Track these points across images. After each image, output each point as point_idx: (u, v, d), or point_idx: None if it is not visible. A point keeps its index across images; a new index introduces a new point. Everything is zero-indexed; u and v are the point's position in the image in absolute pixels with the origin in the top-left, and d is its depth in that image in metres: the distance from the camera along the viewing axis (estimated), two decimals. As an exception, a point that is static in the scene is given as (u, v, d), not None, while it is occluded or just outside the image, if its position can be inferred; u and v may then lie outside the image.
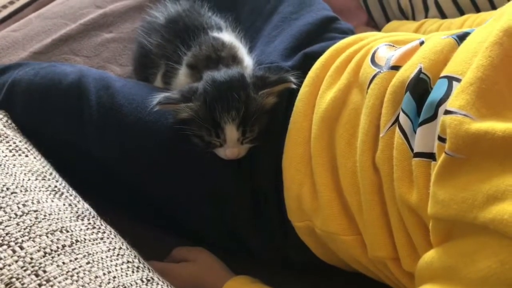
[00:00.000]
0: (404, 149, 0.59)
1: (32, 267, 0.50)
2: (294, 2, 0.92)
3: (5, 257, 0.50)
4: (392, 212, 0.62)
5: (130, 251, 0.59)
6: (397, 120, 0.61)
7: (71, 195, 0.64)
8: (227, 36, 0.84)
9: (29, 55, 1.02)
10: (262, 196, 0.73)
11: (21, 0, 1.45)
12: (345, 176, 0.65)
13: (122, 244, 0.60)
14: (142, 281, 0.54)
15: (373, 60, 0.68)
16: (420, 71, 0.61)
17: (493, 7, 0.93)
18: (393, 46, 0.70)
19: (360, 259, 0.66)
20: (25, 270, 0.50)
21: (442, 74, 0.59)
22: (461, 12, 0.97)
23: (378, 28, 1.09)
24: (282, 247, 0.75)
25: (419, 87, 0.60)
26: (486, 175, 0.50)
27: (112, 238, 0.59)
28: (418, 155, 0.57)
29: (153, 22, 0.89)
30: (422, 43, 0.66)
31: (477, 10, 0.95)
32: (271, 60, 0.81)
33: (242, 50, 0.83)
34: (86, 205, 0.64)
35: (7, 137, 0.70)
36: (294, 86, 0.73)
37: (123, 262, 0.55)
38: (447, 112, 0.52)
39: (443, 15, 1.00)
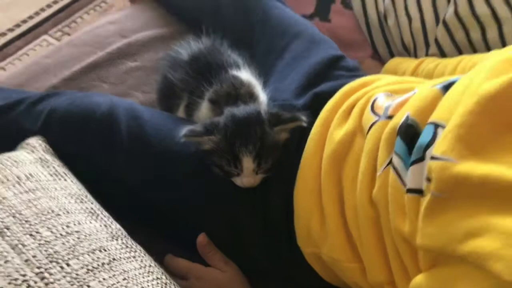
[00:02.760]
0: (397, 186, 0.65)
1: (78, 282, 0.57)
2: (304, 41, 1.00)
3: (54, 273, 0.57)
4: (388, 242, 0.68)
5: (158, 269, 0.66)
6: (391, 161, 0.67)
7: (105, 217, 0.71)
8: (245, 74, 0.91)
9: (59, 81, 1.11)
10: (274, 222, 0.79)
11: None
12: (349, 210, 0.72)
13: (151, 262, 0.67)
14: None
15: (372, 108, 0.76)
16: (407, 118, 0.68)
17: (488, 47, 1.00)
18: (391, 95, 0.77)
19: (361, 283, 0.73)
20: (72, 285, 0.56)
21: (429, 121, 0.65)
22: (459, 50, 1.04)
23: (382, 60, 1.16)
24: (289, 270, 0.80)
25: (408, 131, 0.67)
26: (466, 213, 0.55)
27: (143, 257, 0.66)
28: (410, 191, 0.63)
29: (177, 58, 0.96)
30: (414, 93, 0.72)
31: (473, 49, 1.02)
32: (284, 98, 0.88)
33: (258, 87, 0.90)
34: (118, 226, 0.71)
35: (47, 161, 0.77)
36: (305, 125, 0.79)
37: (153, 279, 0.62)
38: (432, 157, 0.59)
39: (442, 52, 1.07)
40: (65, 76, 1.11)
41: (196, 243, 0.82)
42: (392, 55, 1.17)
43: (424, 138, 0.63)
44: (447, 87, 0.68)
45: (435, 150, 0.60)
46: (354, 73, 0.94)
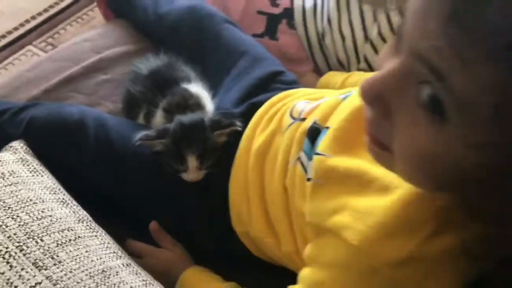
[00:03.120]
0: (302, 175, 0.77)
1: (49, 253, 0.71)
2: (249, 59, 1.11)
3: (31, 246, 0.71)
4: (294, 220, 0.80)
5: (115, 245, 0.81)
6: (299, 156, 0.79)
7: (74, 205, 0.85)
8: (195, 87, 1.02)
9: (40, 92, 1.19)
10: (214, 208, 0.92)
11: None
12: (268, 196, 0.85)
13: (110, 240, 0.81)
14: (123, 265, 0.75)
15: (291, 113, 0.87)
16: (315, 122, 0.80)
17: None
18: (309, 102, 0.88)
19: (277, 254, 0.86)
20: (44, 255, 0.71)
21: (326, 125, 0.78)
22: None
23: (322, 74, 1.23)
24: (228, 246, 0.93)
25: (313, 133, 0.78)
26: (333, 195, 0.68)
27: (103, 236, 0.81)
28: (309, 179, 0.74)
29: (138, 73, 1.07)
30: (324, 100, 0.84)
31: None
32: (225, 107, 1.00)
33: (206, 98, 1.01)
34: (85, 212, 0.85)
35: (27, 161, 0.90)
36: (239, 129, 0.91)
37: (110, 252, 0.77)
38: (316, 153, 0.73)
39: (370, 67, 1.19)
40: (45, 87, 1.20)
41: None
42: (330, 69, 1.26)
43: (321, 138, 0.76)
44: (345, 98, 0.81)
45: (318, 147, 0.74)
46: (290, 86, 1.04)
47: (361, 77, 1.10)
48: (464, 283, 0.59)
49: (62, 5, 2.25)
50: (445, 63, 0.43)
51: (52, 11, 2.22)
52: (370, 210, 0.62)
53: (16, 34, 2.14)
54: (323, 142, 0.74)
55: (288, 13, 1.30)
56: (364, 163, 0.68)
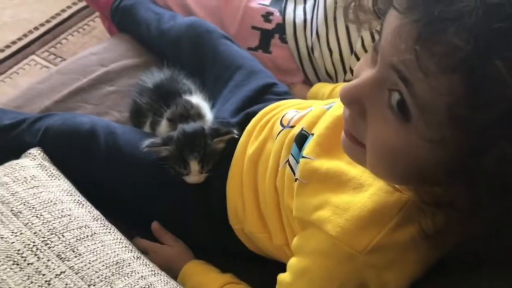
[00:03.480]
0: (290, 176, 0.85)
1: (70, 246, 0.81)
2: (245, 72, 1.20)
3: (54, 241, 0.81)
4: (284, 216, 0.88)
5: (126, 240, 0.89)
6: (288, 159, 0.87)
7: (88, 205, 0.94)
8: (196, 99, 1.12)
9: (51, 103, 1.27)
10: (213, 208, 1.00)
11: None
12: (261, 196, 0.93)
13: (122, 236, 0.90)
14: (134, 258, 0.85)
15: (281, 121, 0.95)
16: (302, 129, 0.88)
17: None
18: (298, 111, 0.96)
19: (270, 247, 0.94)
20: (66, 248, 0.80)
21: (311, 132, 0.86)
22: None
23: (311, 85, 1.31)
24: (225, 241, 1.01)
25: (300, 139, 0.86)
26: (315, 193, 0.77)
27: (116, 233, 0.90)
28: (297, 180, 0.82)
29: (144, 86, 1.17)
30: (311, 109, 0.92)
31: None
32: (223, 116, 1.09)
33: (206, 109, 1.10)
34: (98, 212, 0.94)
35: (45, 166, 0.98)
36: (236, 137, 1.00)
37: (122, 246, 0.86)
38: (302, 157, 0.82)
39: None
40: (56, 99, 1.27)
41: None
42: (319, 80, 1.34)
43: (306, 144, 0.85)
44: (329, 108, 0.89)
45: (304, 152, 0.83)
46: (282, 96, 1.14)
47: None
48: (427, 268, 0.69)
49: (64, 16, 2.33)
50: (411, 73, 0.52)
51: (54, 22, 2.31)
52: (347, 206, 0.72)
53: (19, 44, 2.22)
54: (308, 147, 0.84)
55: (280, 28, 1.38)
56: (342, 165, 0.77)
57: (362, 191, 0.73)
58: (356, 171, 0.75)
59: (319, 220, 0.74)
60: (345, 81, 1.30)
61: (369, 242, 0.68)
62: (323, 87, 1.25)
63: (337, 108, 0.86)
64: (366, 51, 1.23)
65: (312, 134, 0.86)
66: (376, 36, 1.15)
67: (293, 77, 1.38)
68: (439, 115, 0.52)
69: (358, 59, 1.26)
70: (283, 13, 1.39)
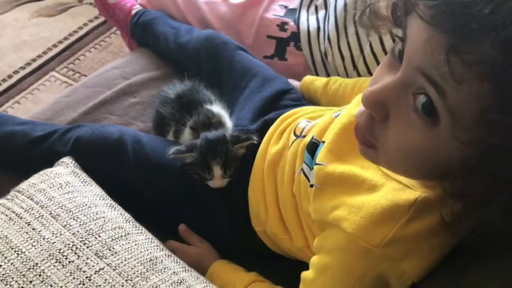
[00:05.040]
0: (305, 183, 0.89)
1: (107, 246, 0.87)
2: (260, 79, 1.24)
3: (92, 240, 0.87)
4: (303, 219, 0.92)
5: (157, 240, 0.95)
6: (302, 168, 0.91)
7: (120, 209, 0.99)
8: (216, 107, 1.16)
9: (78, 115, 1.32)
10: (236, 210, 1.05)
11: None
12: (281, 199, 0.97)
13: (153, 237, 0.96)
14: (166, 255, 0.90)
15: (294, 131, 1.00)
16: (312, 137, 0.92)
17: None
18: (309, 121, 1.00)
19: (291, 248, 0.98)
20: (103, 247, 0.86)
21: (322, 139, 0.90)
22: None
23: None
24: (249, 242, 1.05)
25: (312, 147, 0.91)
26: (331, 196, 0.81)
27: (147, 233, 0.95)
28: (312, 186, 0.86)
29: (166, 97, 1.21)
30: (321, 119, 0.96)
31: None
32: (243, 124, 1.13)
33: (225, 117, 1.15)
34: (129, 214, 0.99)
35: (77, 173, 1.04)
36: (256, 143, 1.04)
37: (154, 245, 0.92)
38: (316, 164, 0.86)
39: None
40: (82, 111, 1.33)
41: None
42: None
43: (318, 151, 0.89)
44: (337, 116, 0.92)
45: (317, 159, 0.87)
46: (297, 102, 1.19)
47: (341, 83, 1.20)
48: (442, 256, 0.74)
49: (81, 33, 2.42)
50: (442, 80, 0.55)
51: (72, 39, 2.39)
52: (362, 205, 0.77)
53: (39, 61, 2.31)
54: (320, 154, 0.88)
55: (295, 36, 1.44)
56: (355, 168, 0.82)
57: (375, 191, 0.77)
58: (368, 173, 0.80)
59: (336, 219, 0.78)
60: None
61: (384, 237, 0.73)
62: (313, 82, 1.27)
63: (345, 115, 0.91)
64: (374, 55, 1.28)
65: (323, 142, 0.90)
66: (385, 41, 1.23)
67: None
68: (469, 119, 0.56)
69: (365, 62, 1.31)
70: (297, 22, 1.44)
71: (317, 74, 1.41)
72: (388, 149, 0.66)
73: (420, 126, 0.60)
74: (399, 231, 0.73)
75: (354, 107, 0.89)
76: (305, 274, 0.84)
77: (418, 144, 0.61)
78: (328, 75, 1.40)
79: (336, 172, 0.83)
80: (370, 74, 1.26)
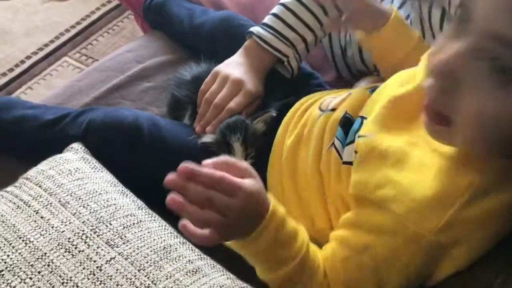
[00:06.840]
0: (337, 160, 0.88)
1: (118, 234, 0.82)
2: None
3: (103, 229, 0.83)
4: (329, 199, 0.90)
5: (171, 228, 0.90)
6: (333, 143, 0.90)
7: (132, 195, 0.95)
8: None
9: (91, 100, 1.29)
10: None
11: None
12: (301, 178, 0.95)
13: (166, 224, 0.91)
14: (180, 243, 0.86)
15: (320, 107, 0.99)
16: (346, 113, 0.91)
17: None
18: (335, 97, 0.99)
19: (311, 231, 0.92)
20: (114, 236, 0.82)
21: (359, 115, 0.88)
22: None
23: (345, 81, 1.34)
24: None
25: (346, 122, 0.89)
26: (376, 169, 0.78)
27: (160, 221, 0.90)
28: (345, 163, 0.85)
29: (182, 79, 1.19)
30: (349, 94, 0.96)
31: None
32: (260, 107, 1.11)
33: None
34: (141, 201, 0.95)
35: (87, 159, 1.00)
36: (274, 115, 1.03)
37: (168, 233, 0.87)
38: (359, 136, 0.84)
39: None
40: (95, 95, 1.30)
41: None
42: (352, 76, 1.35)
43: (355, 126, 0.87)
44: (373, 90, 0.92)
45: (361, 131, 0.85)
46: (318, 87, 1.17)
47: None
48: (495, 242, 0.70)
49: (93, 17, 2.41)
50: None
51: (84, 24, 2.38)
52: (412, 185, 0.73)
53: (52, 46, 2.30)
54: (365, 126, 0.85)
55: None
56: (402, 143, 0.79)
57: (425, 170, 0.74)
58: (416, 151, 0.76)
59: (382, 199, 0.76)
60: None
61: (438, 222, 0.70)
62: (409, 28, 1.07)
63: (388, 89, 0.87)
64: None
65: (361, 117, 0.88)
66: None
67: (325, 75, 1.38)
68: None
69: None
70: None
71: (336, 68, 1.39)
72: (465, 122, 0.63)
73: (496, 91, 0.59)
74: (454, 215, 0.70)
75: (397, 84, 0.87)
76: (330, 250, 0.81)
77: (494, 111, 0.60)
78: (348, 68, 1.37)
79: (382, 144, 0.80)
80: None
